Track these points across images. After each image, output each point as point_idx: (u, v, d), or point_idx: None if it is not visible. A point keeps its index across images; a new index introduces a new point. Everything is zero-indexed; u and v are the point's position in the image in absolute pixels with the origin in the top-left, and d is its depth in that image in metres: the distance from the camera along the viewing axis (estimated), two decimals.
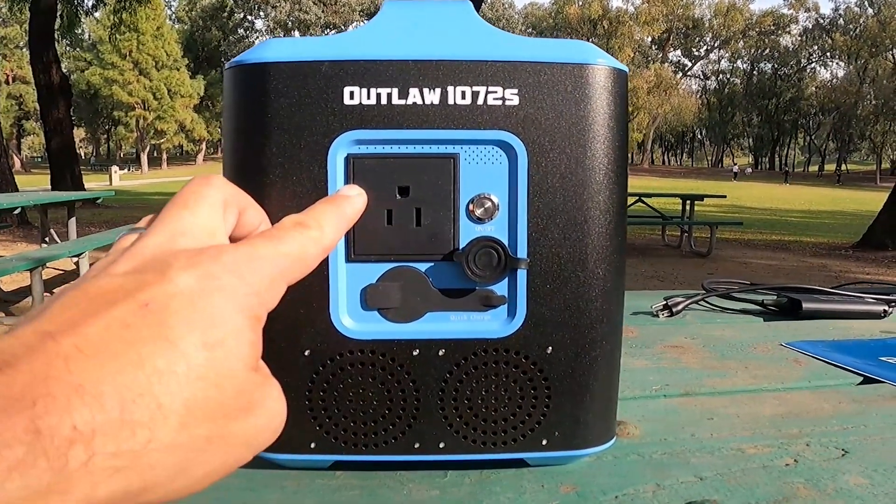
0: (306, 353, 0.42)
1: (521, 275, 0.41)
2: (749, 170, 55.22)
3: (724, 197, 11.07)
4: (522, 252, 0.41)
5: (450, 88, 0.40)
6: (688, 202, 9.44)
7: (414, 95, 0.40)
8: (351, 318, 0.42)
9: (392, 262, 0.41)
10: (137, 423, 0.24)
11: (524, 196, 0.41)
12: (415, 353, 0.42)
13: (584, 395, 0.43)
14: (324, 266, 0.41)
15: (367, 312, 0.42)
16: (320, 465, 0.45)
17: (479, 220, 0.41)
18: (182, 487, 0.27)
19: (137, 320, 0.26)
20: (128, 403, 0.24)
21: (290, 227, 0.33)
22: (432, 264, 0.41)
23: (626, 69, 0.43)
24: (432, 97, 0.40)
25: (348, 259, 0.41)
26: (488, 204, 0.41)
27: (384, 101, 0.40)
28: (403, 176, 0.40)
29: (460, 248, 0.41)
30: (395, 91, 0.40)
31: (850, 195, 30.01)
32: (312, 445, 0.43)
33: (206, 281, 0.28)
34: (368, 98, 0.40)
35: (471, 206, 0.41)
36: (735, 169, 49.69)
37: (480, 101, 0.40)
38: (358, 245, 0.41)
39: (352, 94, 0.40)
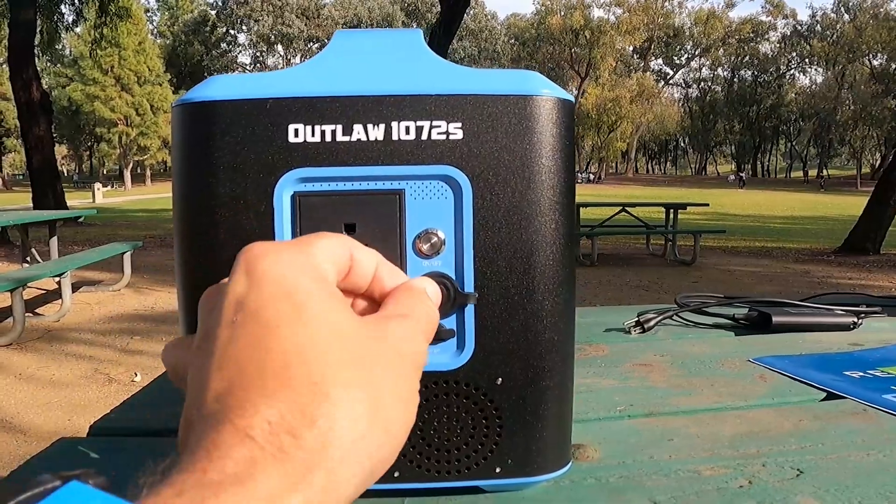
0: None
1: (469, 308, 0.42)
2: (741, 175, 55.54)
3: (707, 205, 11.14)
4: (470, 285, 0.41)
5: (394, 124, 0.40)
6: (671, 211, 9.49)
7: (358, 132, 0.40)
8: None
9: None
10: None
11: (469, 230, 0.41)
12: None
13: (535, 423, 0.43)
14: None
15: None
16: None
17: (426, 256, 0.41)
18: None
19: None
20: None
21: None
22: None
23: (571, 98, 0.43)
24: (376, 133, 0.40)
25: None
26: (434, 239, 0.41)
27: (328, 138, 0.40)
28: (349, 213, 0.40)
29: None
30: (339, 128, 0.40)
31: (832, 200, 30.28)
32: None
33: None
34: (313, 135, 0.40)
35: (417, 242, 0.41)
36: (732, 178, 50.02)
37: (425, 136, 0.40)
38: None
39: (296, 131, 0.40)
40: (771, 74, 67.00)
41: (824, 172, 64.00)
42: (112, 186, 47.26)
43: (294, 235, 0.40)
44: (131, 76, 46.95)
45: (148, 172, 55.67)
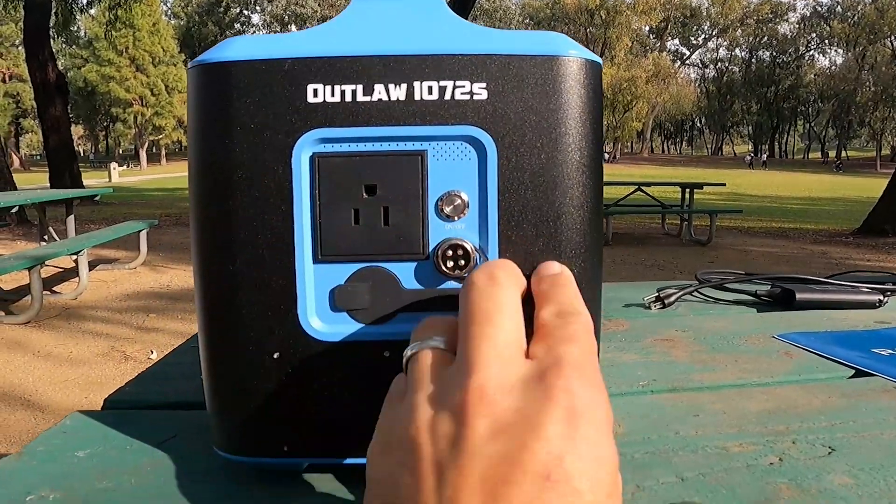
0: (276, 355, 0.41)
1: None
2: (751, 156, 55.05)
3: (724, 185, 11.05)
4: (494, 249, 0.40)
5: (416, 84, 0.39)
6: (687, 190, 9.42)
7: (379, 92, 0.39)
8: (320, 320, 0.41)
9: (360, 262, 0.40)
10: None
11: (494, 193, 0.39)
12: (386, 355, 0.40)
13: None
14: (290, 267, 0.40)
15: (337, 314, 0.41)
16: (294, 468, 0.44)
17: (449, 218, 0.40)
18: None
19: (547, 497, 0.25)
20: None
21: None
22: (402, 264, 0.40)
23: (599, 60, 0.42)
24: (398, 93, 0.39)
25: (315, 260, 0.40)
26: (458, 201, 0.39)
27: (349, 98, 0.39)
28: (370, 174, 0.39)
29: (430, 246, 0.40)
30: (359, 88, 0.39)
31: (850, 181, 29.97)
32: (285, 448, 0.42)
33: (578, 424, 0.27)
34: (332, 95, 0.39)
35: (440, 204, 0.40)
36: (748, 159, 49.54)
37: (448, 96, 0.39)
38: (325, 246, 0.40)
39: (315, 91, 0.38)
40: (790, 55, 66.17)
41: (843, 154, 63.33)
42: (128, 166, 47.53)
43: (312, 196, 0.39)
44: (146, 57, 47.05)
45: (163, 152, 55.87)
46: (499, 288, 0.32)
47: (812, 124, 71.75)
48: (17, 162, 45.37)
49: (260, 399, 0.41)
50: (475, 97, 0.39)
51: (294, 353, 0.41)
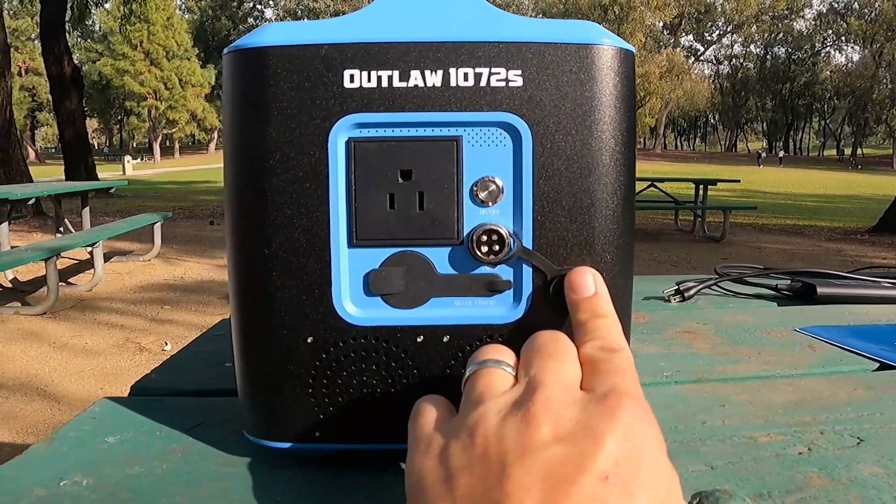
0: (309, 340, 0.41)
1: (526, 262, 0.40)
2: (781, 153, 54.60)
3: (738, 182, 10.99)
4: (528, 236, 0.40)
5: (452, 70, 0.39)
6: (701, 186, 9.37)
7: (415, 78, 0.39)
8: (354, 305, 0.41)
9: (395, 246, 0.40)
10: None
11: (529, 179, 0.40)
12: (419, 340, 0.41)
13: None
14: (325, 251, 0.40)
15: (371, 298, 0.41)
16: (325, 453, 0.44)
17: (483, 204, 0.40)
18: None
19: (604, 495, 0.27)
20: None
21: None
22: (436, 249, 0.40)
23: (632, 49, 0.42)
24: (434, 79, 0.39)
25: (350, 244, 0.40)
26: (492, 187, 0.40)
27: (385, 83, 0.39)
28: (405, 159, 0.39)
29: (464, 231, 0.40)
30: (395, 74, 0.39)
31: (866, 179, 29.74)
32: (317, 434, 0.43)
33: (634, 440, 0.30)
34: (369, 81, 0.39)
35: (475, 189, 0.40)
36: (762, 155, 49.20)
37: (483, 83, 0.39)
38: (360, 230, 0.40)
39: (352, 77, 0.39)
40: (805, 52, 65.70)
41: (859, 151, 62.85)
42: (141, 159, 47.77)
43: (348, 181, 0.40)
44: (160, 51, 47.22)
45: (177, 145, 56.17)
46: (563, 340, 0.35)
47: (827, 121, 71.21)
48: (32, 154, 45.67)
49: (293, 383, 0.42)
50: (510, 84, 0.39)
51: (328, 338, 0.41)
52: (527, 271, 0.41)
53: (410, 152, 0.39)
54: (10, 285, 5.23)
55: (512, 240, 0.40)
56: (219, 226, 9.71)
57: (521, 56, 0.39)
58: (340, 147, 0.39)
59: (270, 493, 0.41)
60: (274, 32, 0.40)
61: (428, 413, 0.35)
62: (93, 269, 5.43)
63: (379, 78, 0.39)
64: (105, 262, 5.73)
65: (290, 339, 0.41)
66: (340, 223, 0.40)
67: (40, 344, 4.02)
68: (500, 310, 0.41)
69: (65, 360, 3.78)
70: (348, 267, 0.41)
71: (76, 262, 6.29)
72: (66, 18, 14.98)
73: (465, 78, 0.39)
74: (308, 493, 0.42)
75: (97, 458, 0.46)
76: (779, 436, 0.49)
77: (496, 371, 0.35)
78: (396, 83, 0.39)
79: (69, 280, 5.63)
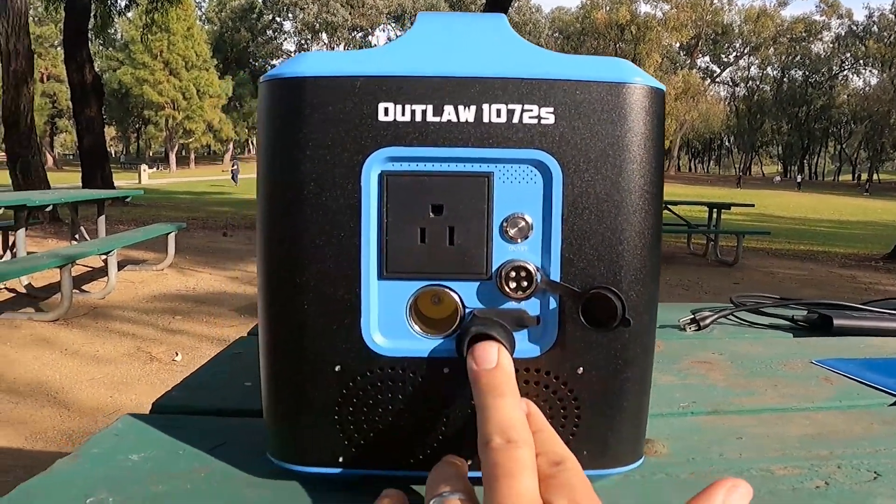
0: (336, 368, 0.42)
1: (553, 296, 0.41)
2: (799, 177, 54.32)
3: (753, 206, 10.95)
4: (556, 272, 0.41)
5: (485, 106, 0.40)
6: (714, 210, 9.35)
7: (449, 113, 0.40)
8: (382, 336, 0.42)
9: (424, 279, 0.41)
10: None
11: (559, 216, 0.40)
12: (445, 371, 0.42)
13: (614, 414, 0.43)
14: (356, 283, 0.41)
15: (399, 330, 0.42)
16: (347, 478, 0.45)
17: (512, 240, 0.41)
18: None
19: None
20: None
21: None
22: (465, 283, 0.41)
23: (663, 88, 0.43)
24: (467, 115, 0.40)
25: (380, 276, 0.41)
26: (522, 223, 0.40)
27: (419, 118, 0.40)
28: (437, 194, 0.40)
29: (493, 267, 0.41)
30: (429, 108, 0.40)
31: (882, 205, 29.55)
32: (340, 459, 0.43)
33: None
34: (403, 115, 0.40)
35: (504, 226, 0.41)
36: (777, 179, 48.91)
37: (516, 120, 0.40)
38: (390, 263, 0.41)
39: (386, 110, 0.40)
40: (823, 75, 65.56)
41: (875, 177, 62.46)
42: (157, 168, 48.12)
43: (380, 213, 0.40)
44: (179, 61, 47.68)
45: (192, 155, 56.48)
46: (515, 448, 0.34)
47: (843, 146, 70.92)
48: (50, 161, 46.09)
49: (318, 409, 0.43)
50: (542, 121, 0.40)
51: (355, 367, 0.42)
52: (553, 307, 0.41)
53: (442, 187, 0.40)
54: (24, 291, 5.27)
55: (539, 275, 0.40)
56: (232, 237, 9.75)
57: (553, 93, 0.40)
58: (373, 180, 0.40)
59: None
60: (311, 62, 0.40)
61: None
62: (106, 277, 5.46)
63: (413, 112, 0.40)
64: (119, 270, 5.77)
65: (318, 367, 0.42)
66: (371, 255, 0.41)
67: (52, 350, 4.05)
68: (526, 344, 0.42)
69: (76, 367, 3.80)
70: (377, 298, 0.41)
71: (90, 269, 6.33)
72: (90, 26, 15.14)
73: (498, 114, 0.40)
74: None
75: (121, 475, 0.47)
76: (795, 469, 0.50)
77: (456, 501, 0.35)
78: (430, 118, 0.40)
79: (83, 287, 5.66)
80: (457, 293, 0.41)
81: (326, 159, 0.40)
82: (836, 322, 0.99)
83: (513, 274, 0.40)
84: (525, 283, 0.40)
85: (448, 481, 0.37)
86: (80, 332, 4.48)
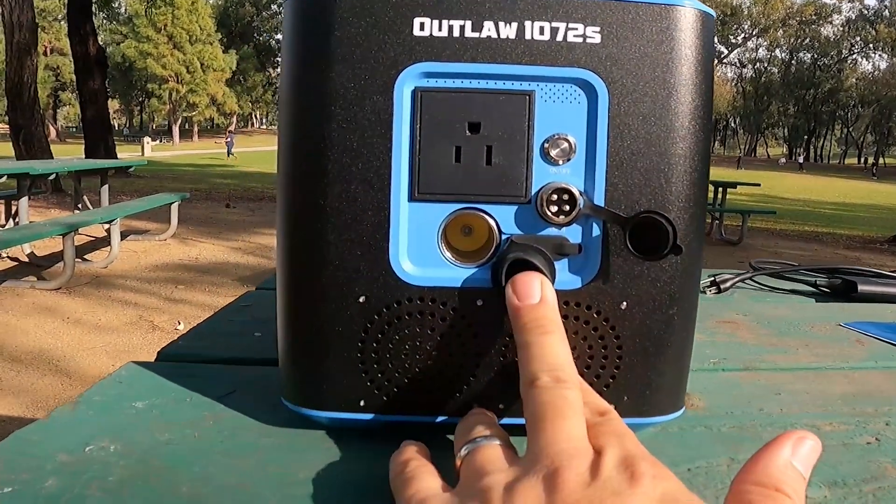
0: (361, 299, 0.39)
1: (597, 222, 0.38)
2: (801, 159, 54.18)
3: (759, 185, 10.89)
4: (600, 197, 0.38)
5: (527, 23, 0.37)
6: (720, 189, 9.30)
7: (489, 29, 0.37)
8: (411, 263, 0.39)
9: (458, 202, 0.38)
10: None
11: (604, 138, 0.38)
12: (479, 304, 0.39)
13: (657, 357, 0.40)
14: (384, 205, 0.38)
15: (429, 257, 0.39)
16: (369, 425, 0.41)
17: (554, 162, 0.38)
18: None
19: None
20: None
21: None
22: (502, 206, 0.38)
23: (713, 13, 0.40)
24: (508, 31, 0.37)
25: (411, 198, 0.38)
26: (564, 145, 0.38)
27: (456, 33, 0.37)
28: (474, 112, 0.37)
29: (533, 189, 0.38)
30: (468, 24, 0.37)
31: (887, 189, 29.44)
32: (362, 403, 0.40)
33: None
34: (440, 30, 0.37)
35: (546, 147, 0.38)
36: (783, 161, 48.81)
37: (560, 38, 0.37)
38: (422, 183, 0.38)
39: (422, 25, 0.37)
40: (832, 58, 65.09)
41: (881, 160, 62.22)
42: (160, 141, 48.03)
43: (412, 131, 0.38)
44: (183, 35, 47.41)
45: (195, 129, 56.34)
46: (566, 387, 0.32)
47: (850, 129, 70.57)
48: (53, 133, 45.97)
49: (340, 346, 0.40)
50: (588, 40, 0.37)
51: (381, 298, 0.39)
52: (596, 234, 0.38)
53: (480, 105, 0.37)
54: (27, 259, 5.26)
55: (582, 199, 0.38)
56: (235, 208, 9.73)
57: (600, 13, 0.37)
58: (406, 96, 0.37)
59: (309, 466, 0.39)
60: None
61: (421, 482, 0.33)
62: (109, 247, 5.44)
63: (450, 27, 0.37)
64: (121, 240, 5.74)
65: (341, 298, 0.39)
66: (402, 175, 0.38)
67: (54, 319, 4.04)
68: (566, 275, 0.39)
69: (78, 335, 3.79)
70: (408, 222, 0.39)
71: (93, 239, 6.31)
72: (94, 0, 15.02)
73: (542, 32, 0.37)
74: (349, 467, 0.39)
75: (124, 423, 0.44)
76: (842, 425, 0.47)
77: (496, 448, 0.33)
78: (468, 33, 0.37)
79: (85, 257, 5.65)
80: (493, 217, 0.38)
81: (357, 74, 0.37)
82: (861, 288, 0.96)
83: (554, 197, 0.37)
84: (567, 207, 0.37)
85: (482, 426, 0.35)
86: (82, 300, 4.46)
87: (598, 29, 0.37)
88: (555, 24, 0.37)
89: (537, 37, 0.37)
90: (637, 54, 0.38)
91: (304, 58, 0.38)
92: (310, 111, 0.38)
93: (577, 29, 0.37)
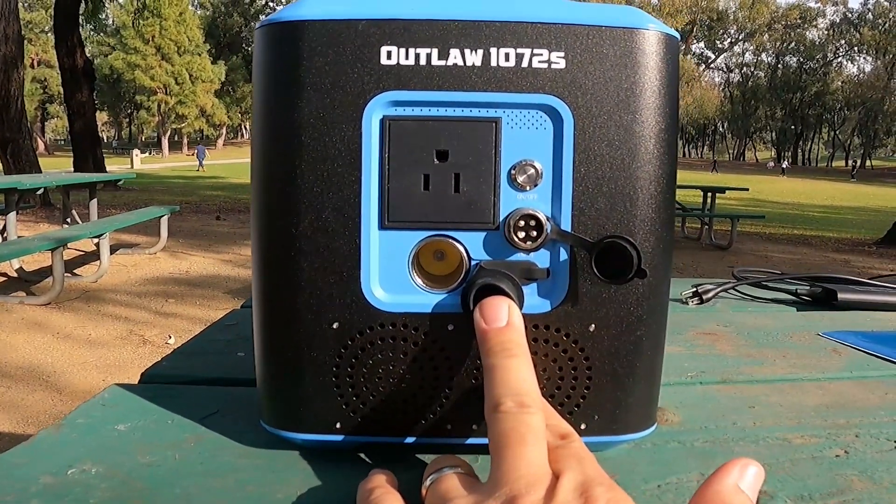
0: (334, 325, 0.39)
1: (564, 247, 0.39)
2: (786, 164, 54.48)
3: (747, 190, 10.94)
4: (567, 222, 0.39)
5: (493, 50, 0.38)
6: (709, 194, 9.34)
7: (455, 56, 0.38)
8: (383, 290, 0.40)
9: (427, 229, 0.39)
10: None
11: (569, 164, 0.38)
12: (449, 328, 0.39)
13: (626, 376, 0.41)
14: (355, 233, 0.39)
15: (400, 283, 0.40)
16: (345, 446, 0.42)
17: (521, 188, 0.39)
18: None
19: None
20: None
21: None
22: (470, 233, 0.39)
23: (677, 35, 0.41)
24: (474, 59, 0.38)
25: (381, 226, 0.39)
26: (531, 171, 0.38)
27: (423, 61, 0.38)
28: (442, 140, 0.38)
29: (501, 216, 0.39)
30: (434, 51, 0.38)
31: (875, 191, 29.62)
32: (337, 425, 0.41)
33: None
34: (406, 58, 0.38)
35: (513, 173, 0.38)
36: (771, 165, 49.06)
37: (525, 64, 0.38)
38: (392, 211, 0.38)
39: (389, 53, 0.37)
40: (817, 62, 65.55)
41: (868, 163, 62.58)
42: (150, 153, 47.90)
43: (381, 160, 0.38)
44: (171, 46, 47.30)
45: (185, 140, 56.20)
46: (528, 413, 0.33)
47: (837, 132, 71.00)
48: (41, 146, 45.81)
49: (315, 372, 0.40)
50: (553, 66, 0.38)
51: (354, 324, 0.39)
52: (564, 259, 0.39)
53: (447, 132, 0.38)
54: (15, 275, 5.23)
55: (549, 225, 0.38)
56: (225, 221, 9.71)
57: (564, 38, 0.38)
58: (375, 125, 0.38)
59: (287, 487, 0.39)
60: (311, 5, 0.38)
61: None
62: (98, 261, 5.42)
63: (417, 55, 0.38)
64: (111, 254, 5.72)
65: (314, 324, 0.40)
66: (372, 204, 0.39)
67: (44, 334, 4.02)
68: (534, 299, 0.40)
69: (68, 350, 3.77)
70: (378, 249, 0.39)
71: (82, 253, 6.28)
72: (80, 11, 14.98)
73: (507, 58, 0.38)
74: (326, 487, 0.40)
75: (107, 445, 0.44)
76: (813, 438, 0.48)
77: (456, 476, 0.34)
78: (435, 61, 0.38)
79: (75, 271, 5.62)
80: (462, 244, 0.39)
81: (325, 103, 0.38)
82: (841, 296, 0.97)
83: (521, 223, 0.38)
84: (535, 233, 0.38)
85: (447, 457, 0.36)
86: (72, 315, 4.44)
87: (562, 54, 0.38)
88: (520, 51, 0.38)
89: (503, 63, 0.38)
90: (601, 79, 0.38)
91: (275, 87, 0.39)
92: (280, 140, 0.39)
93: (541, 55, 0.38)
